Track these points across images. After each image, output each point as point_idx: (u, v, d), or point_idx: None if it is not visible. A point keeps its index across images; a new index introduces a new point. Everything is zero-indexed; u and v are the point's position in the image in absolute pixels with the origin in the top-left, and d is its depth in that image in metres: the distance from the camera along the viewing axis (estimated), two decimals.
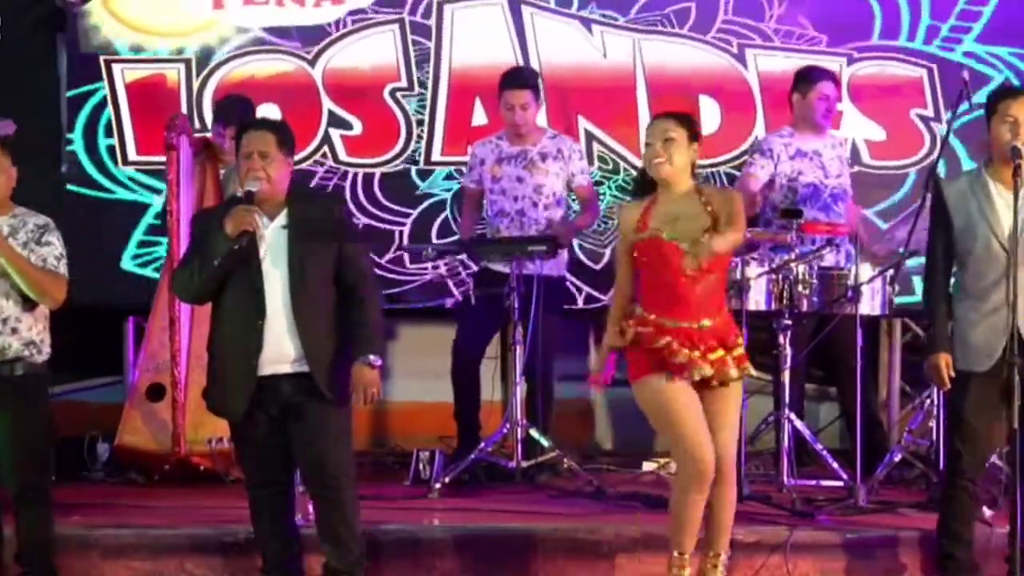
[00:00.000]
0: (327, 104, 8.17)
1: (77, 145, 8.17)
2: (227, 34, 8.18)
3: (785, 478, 6.84)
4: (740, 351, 5.56)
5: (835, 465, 6.89)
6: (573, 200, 7.61)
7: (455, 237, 7.85)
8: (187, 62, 8.16)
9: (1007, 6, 8.14)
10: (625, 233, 5.63)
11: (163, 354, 7.24)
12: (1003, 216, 5.70)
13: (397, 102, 8.17)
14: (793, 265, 6.88)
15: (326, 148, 8.18)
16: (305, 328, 5.49)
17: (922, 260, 7.02)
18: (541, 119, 7.70)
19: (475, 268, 7.71)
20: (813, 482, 6.97)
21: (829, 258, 7.15)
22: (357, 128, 8.20)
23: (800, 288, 6.88)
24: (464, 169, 7.72)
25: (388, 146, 8.18)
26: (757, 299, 6.92)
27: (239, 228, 5.43)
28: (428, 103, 8.14)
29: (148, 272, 8.10)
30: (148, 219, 8.16)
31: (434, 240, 8.05)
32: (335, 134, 8.19)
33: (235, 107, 7.56)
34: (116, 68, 8.15)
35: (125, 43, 8.17)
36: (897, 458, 7.00)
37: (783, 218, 7.02)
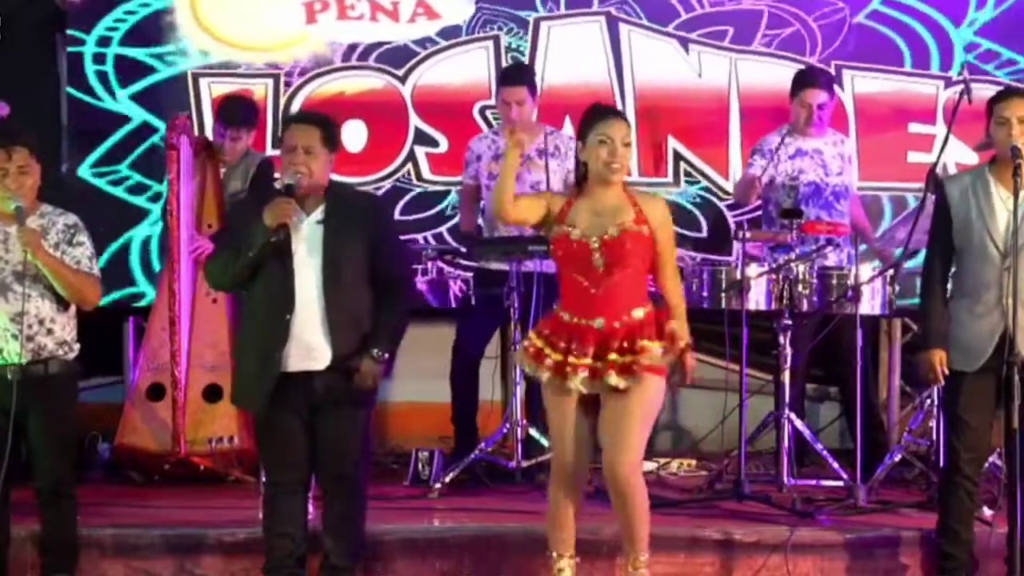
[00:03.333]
0: (414, 121, 8.17)
1: (88, 48, 8.16)
2: (318, 49, 8.18)
3: (785, 478, 6.84)
4: (647, 356, 5.41)
5: (835, 465, 6.89)
6: None
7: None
8: (275, 77, 8.16)
9: None
10: (540, 204, 5.60)
11: (163, 354, 7.24)
12: (1000, 216, 5.71)
13: (486, 119, 8.14)
14: (793, 265, 6.88)
15: (410, 166, 8.18)
16: (334, 324, 5.51)
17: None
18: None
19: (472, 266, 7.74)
20: (813, 482, 6.97)
21: (832, 257, 7.16)
22: (443, 145, 8.19)
23: (800, 288, 6.88)
24: None
25: None
26: (757, 299, 6.93)
27: (277, 220, 5.45)
28: None
29: (103, 185, 8.15)
30: (118, 135, 8.19)
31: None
32: (420, 152, 8.19)
33: (236, 107, 7.57)
34: (203, 82, 8.17)
35: (217, 58, 8.18)
36: (897, 458, 7.00)
37: (783, 218, 7.03)
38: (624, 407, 5.44)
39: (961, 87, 7.03)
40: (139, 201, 8.18)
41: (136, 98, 8.18)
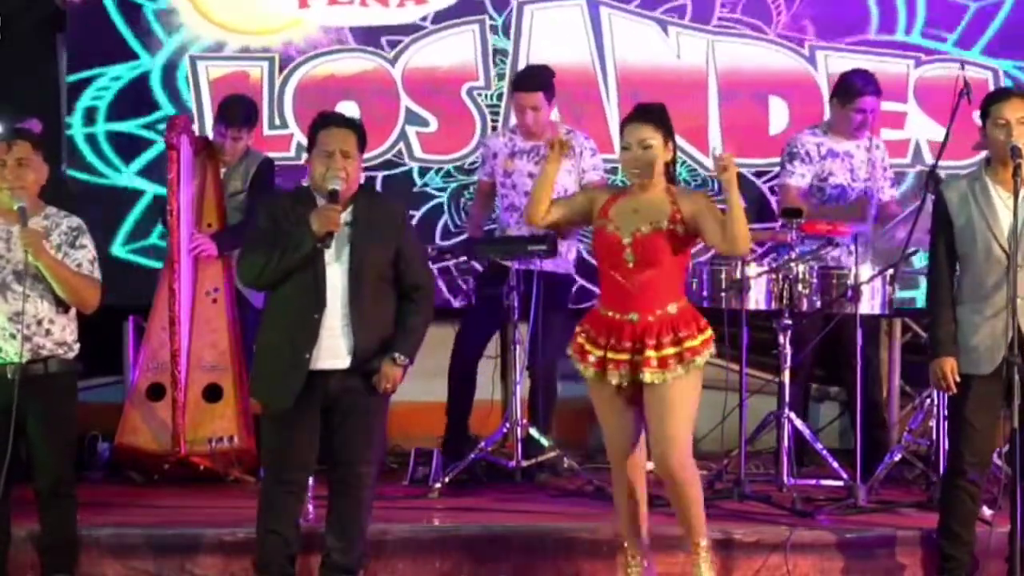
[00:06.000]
0: (405, 102, 8.27)
1: (76, 130, 8.20)
2: (312, 32, 8.27)
3: (785, 478, 6.83)
4: (685, 346, 5.52)
5: (835, 465, 6.89)
6: None
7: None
8: (270, 60, 8.24)
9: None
10: (584, 198, 5.75)
11: (163, 354, 7.23)
12: (1003, 218, 5.71)
13: (474, 101, 8.25)
14: (793, 265, 6.88)
15: (401, 145, 8.25)
16: (357, 325, 5.54)
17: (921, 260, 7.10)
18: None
19: (479, 267, 7.76)
20: (813, 482, 6.96)
21: (834, 255, 7.15)
22: (433, 125, 8.28)
23: (800, 288, 6.88)
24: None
25: (463, 143, 8.23)
26: (757, 298, 6.93)
27: (325, 227, 5.49)
28: (504, 102, 8.20)
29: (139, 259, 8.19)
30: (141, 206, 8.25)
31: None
32: (411, 131, 8.28)
33: (237, 107, 7.56)
34: (200, 65, 8.24)
35: (210, 41, 8.26)
36: (897, 458, 7.00)
37: (783, 217, 7.03)
38: (664, 400, 5.53)
39: (960, 82, 6.99)
40: None
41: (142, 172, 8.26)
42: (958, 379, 5.76)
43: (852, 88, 7.48)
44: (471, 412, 7.52)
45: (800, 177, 7.46)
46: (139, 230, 8.23)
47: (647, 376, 5.49)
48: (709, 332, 5.61)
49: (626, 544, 5.79)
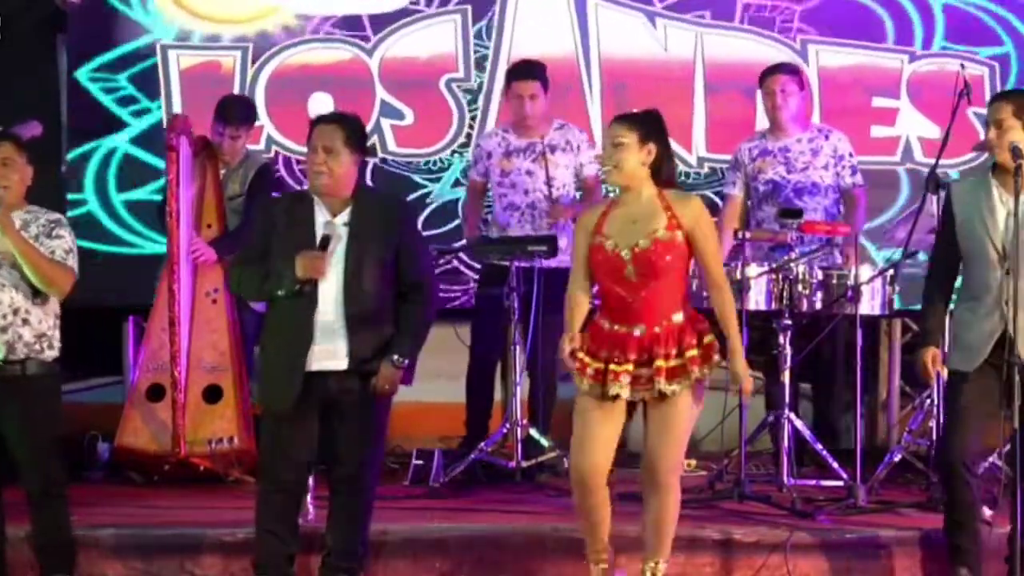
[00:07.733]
0: (380, 94, 8.19)
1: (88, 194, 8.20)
2: (288, 21, 8.21)
3: (785, 478, 6.84)
4: (687, 356, 5.42)
5: (835, 465, 6.89)
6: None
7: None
8: (244, 49, 8.18)
9: None
10: (582, 237, 5.56)
11: (163, 354, 7.22)
12: (1001, 219, 5.73)
13: (452, 93, 8.17)
14: (793, 265, 6.88)
15: (375, 138, 8.16)
16: (354, 326, 5.53)
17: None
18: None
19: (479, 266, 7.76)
20: (813, 482, 6.97)
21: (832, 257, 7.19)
22: (409, 118, 8.21)
23: (800, 288, 6.89)
24: None
25: (439, 137, 8.18)
26: (757, 299, 6.93)
27: (308, 275, 5.47)
28: (483, 94, 8.16)
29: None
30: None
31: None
32: (386, 124, 8.20)
33: (235, 106, 7.56)
34: (171, 54, 8.17)
35: (187, 29, 8.21)
36: (897, 458, 7.00)
37: (783, 218, 7.03)
38: (672, 411, 5.45)
39: (960, 82, 7.00)
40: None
41: None
42: (940, 369, 5.81)
43: (762, 74, 7.52)
44: (491, 414, 7.52)
45: (732, 185, 7.60)
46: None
47: (662, 386, 5.39)
48: (709, 338, 5.49)
49: (601, 554, 5.64)
